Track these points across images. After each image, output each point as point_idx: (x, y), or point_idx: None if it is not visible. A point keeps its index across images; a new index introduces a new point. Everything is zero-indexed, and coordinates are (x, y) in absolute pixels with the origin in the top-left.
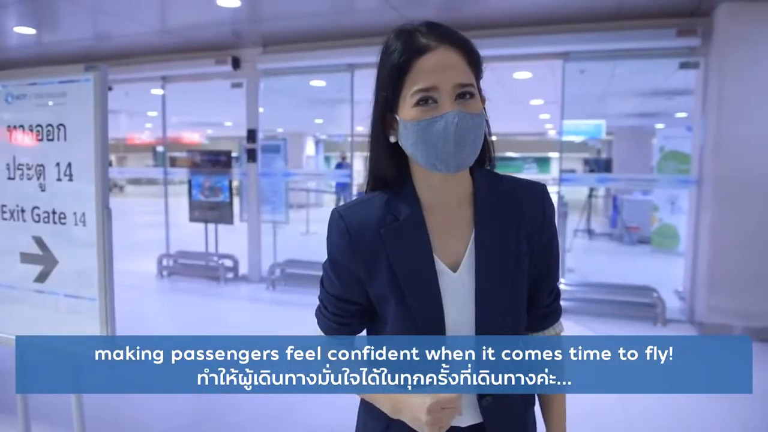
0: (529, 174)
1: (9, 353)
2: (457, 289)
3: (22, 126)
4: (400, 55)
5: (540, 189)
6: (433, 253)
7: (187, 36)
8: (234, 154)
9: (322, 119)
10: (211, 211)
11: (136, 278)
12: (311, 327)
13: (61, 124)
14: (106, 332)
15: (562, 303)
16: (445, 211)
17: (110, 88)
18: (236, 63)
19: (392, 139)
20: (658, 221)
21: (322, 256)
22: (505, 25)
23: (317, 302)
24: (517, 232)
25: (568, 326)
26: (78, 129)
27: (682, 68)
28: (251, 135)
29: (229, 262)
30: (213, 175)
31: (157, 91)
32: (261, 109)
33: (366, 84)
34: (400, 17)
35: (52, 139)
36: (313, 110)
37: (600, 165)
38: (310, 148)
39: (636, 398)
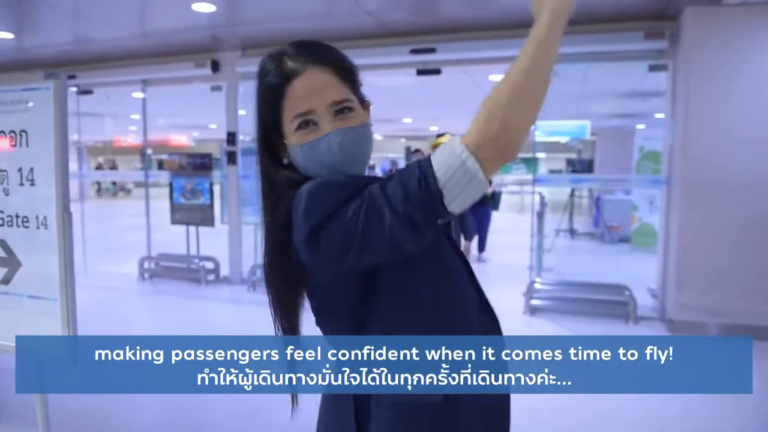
0: (518, 174)
1: None
2: None
3: None
4: (272, 81)
5: None
6: None
7: (167, 39)
8: (217, 157)
9: None
10: (192, 213)
11: (117, 280)
12: None
13: (24, 131)
14: (67, 332)
15: (537, 302)
16: None
17: (91, 92)
18: (215, 66)
19: (286, 160)
20: (638, 220)
21: None
22: (478, 28)
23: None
24: None
25: (542, 324)
26: (40, 135)
27: (651, 71)
28: (231, 138)
29: (210, 264)
30: (194, 178)
31: (139, 95)
32: (242, 112)
33: None
34: (374, 21)
35: (15, 145)
36: None
37: (583, 165)
38: None
39: (627, 398)
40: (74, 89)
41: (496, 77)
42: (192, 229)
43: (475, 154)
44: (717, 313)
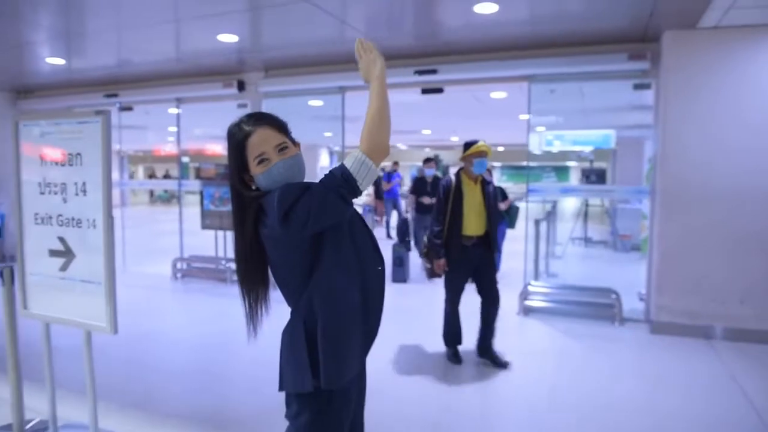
0: (549, 182)
1: (41, 328)
2: None
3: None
4: (238, 139)
5: None
6: None
7: (197, 63)
8: None
9: (332, 132)
10: (221, 219)
11: (152, 280)
12: None
13: (79, 153)
14: (110, 308)
15: (531, 303)
16: None
17: (131, 108)
18: (241, 86)
19: (254, 187)
20: (647, 229)
21: None
22: (474, 51)
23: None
24: None
25: (535, 325)
26: (90, 156)
27: (636, 89)
28: None
29: None
30: (222, 187)
31: (174, 110)
32: None
33: (355, 104)
34: (381, 46)
35: (72, 164)
36: (321, 125)
37: (598, 175)
38: (324, 158)
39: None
40: (116, 106)
41: (497, 94)
42: (220, 233)
43: (369, 156)
44: (694, 315)
